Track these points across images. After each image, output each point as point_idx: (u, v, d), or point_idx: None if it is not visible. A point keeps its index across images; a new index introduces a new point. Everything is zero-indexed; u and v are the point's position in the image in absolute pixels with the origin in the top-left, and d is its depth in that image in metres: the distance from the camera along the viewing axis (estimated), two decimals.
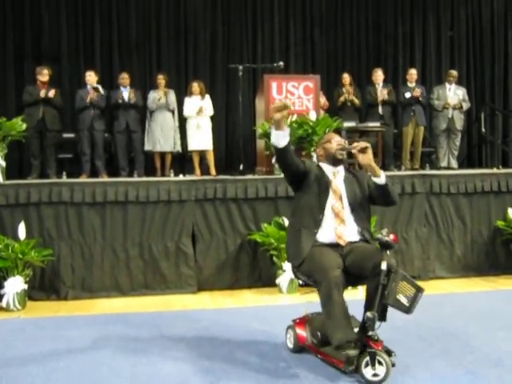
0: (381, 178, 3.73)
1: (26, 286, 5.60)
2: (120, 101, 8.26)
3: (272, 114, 3.47)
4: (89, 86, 8.17)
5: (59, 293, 5.98)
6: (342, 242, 3.71)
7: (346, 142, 4.01)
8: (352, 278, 3.60)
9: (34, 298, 5.89)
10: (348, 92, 9.00)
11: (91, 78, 8.22)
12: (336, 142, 3.92)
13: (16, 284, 5.50)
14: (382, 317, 3.45)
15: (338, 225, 3.76)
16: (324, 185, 3.83)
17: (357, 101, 9.04)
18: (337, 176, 3.91)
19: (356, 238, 3.78)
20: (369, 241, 3.79)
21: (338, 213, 3.77)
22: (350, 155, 3.99)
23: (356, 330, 3.56)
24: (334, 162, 3.93)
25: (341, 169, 3.96)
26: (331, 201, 3.80)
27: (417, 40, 11.38)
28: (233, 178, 6.54)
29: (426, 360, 3.78)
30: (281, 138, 3.51)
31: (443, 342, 4.16)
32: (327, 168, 3.94)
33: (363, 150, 3.65)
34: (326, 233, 3.76)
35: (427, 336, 4.32)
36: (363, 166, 3.76)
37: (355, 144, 3.72)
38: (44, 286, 5.99)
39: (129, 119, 8.33)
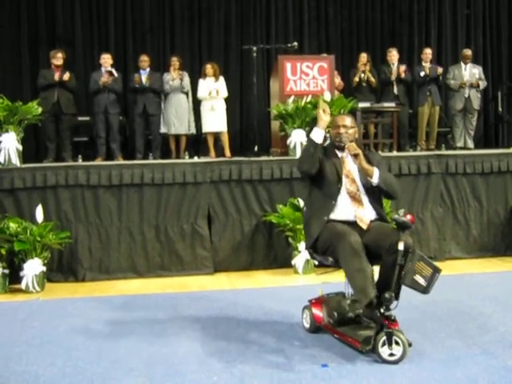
0: (373, 178, 3.73)
1: (44, 268, 5.66)
2: (137, 85, 8.24)
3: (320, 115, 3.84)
4: (103, 69, 8.17)
5: (77, 275, 6.04)
6: (363, 226, 3.69)
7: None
8: (368, 257, 3.59)
9: (53, 280, 5.95)
10: (364, 71, 8.87)
11: (108, 60, 8.22)
12: (335, 131, 3.94)
13: (35, 266, 5.55)
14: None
15: (357, 207, 3.75)
16: (336, 170, 3.84)
17: (373, 79, 8.89)
18: (345, 160, 3.89)
19: (373, 216, 3.78)
20: (385, 219, 3.81)
21: (354, 195, 3.77)
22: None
23: None
24: (337, 147, 3.95)
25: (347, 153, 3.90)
26: (345, 185, 3.80)
27: (432, 18, 11.19)
28: (248, 159, 6.53)
29: (441, 340, 3.79)
30: (319, 135, 3.79)
31: (459, 322, 4.17)
32: (338, 152, 3.96)
33: (354, 155, 3.73)
34: (344, 213, 3.75)
35: (443, 316, 4.33)
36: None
37: (348, 145, 3.78)
38: (62, 268, 6.06)
39: (146, 102, 8.31)
